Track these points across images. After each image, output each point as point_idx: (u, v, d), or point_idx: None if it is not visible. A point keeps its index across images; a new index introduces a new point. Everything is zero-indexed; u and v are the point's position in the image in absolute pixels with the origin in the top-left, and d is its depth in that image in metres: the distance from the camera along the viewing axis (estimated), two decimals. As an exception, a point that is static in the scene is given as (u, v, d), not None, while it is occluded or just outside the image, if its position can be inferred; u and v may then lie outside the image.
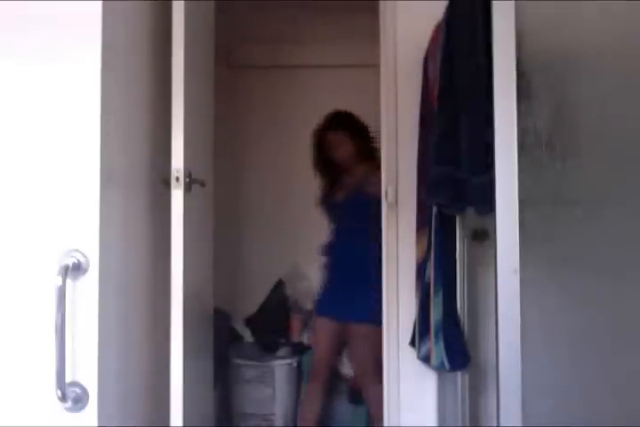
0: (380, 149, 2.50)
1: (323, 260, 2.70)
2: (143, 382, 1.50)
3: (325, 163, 2.77)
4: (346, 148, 2.71)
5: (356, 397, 2.72)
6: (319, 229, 2.65)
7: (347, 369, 2.74)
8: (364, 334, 2.50)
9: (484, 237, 1.95)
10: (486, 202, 1.33)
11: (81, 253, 1.11)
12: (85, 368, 1.11)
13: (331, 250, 2.69)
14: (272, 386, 2.76)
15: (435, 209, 1.79)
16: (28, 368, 1.12)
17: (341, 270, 2.65)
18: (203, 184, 1.78)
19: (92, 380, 1.11)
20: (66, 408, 1.08)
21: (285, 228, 3.29)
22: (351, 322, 2.54)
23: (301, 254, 3.20)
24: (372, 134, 2.78)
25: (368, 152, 2.75)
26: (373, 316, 2.47)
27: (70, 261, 1.09)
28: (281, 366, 2.76)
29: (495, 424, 1.15)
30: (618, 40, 1.17)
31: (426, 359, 1.87)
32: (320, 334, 2.67)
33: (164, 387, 1.53)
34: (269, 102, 2.83)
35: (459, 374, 1.90)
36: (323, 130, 2.75)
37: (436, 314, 1.79)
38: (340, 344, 2.69)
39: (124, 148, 1.36)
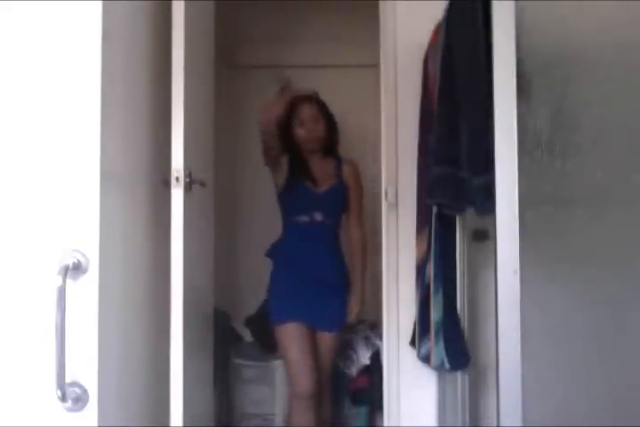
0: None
1: (277, 259, 2.43)
2: (143, 382, 1.50)
3: (290, 141, 2.39)
4: (319, 126, 2.40)
5: (356, 397, 2.72)
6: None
7: (347, 369, 2.73)
8: (332, 345, 2.41)
9: (484, 237, 1.95)
10: (486, 202, 1.34)
11: (81, 253, 1.11)
12: (85, 368, 1.11)
13: (290, 248, 2.40)
14: (272, 386, 2.76)
15: (435, 209, 1.79)
16: (28, 368, 1.12)
17: (305, 272, 2.34)
18: (203, 184, 1.78)
19: (92, 380, 1.11)
20: (66, 408, 1.08)
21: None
22: (322, 331, 2.37)
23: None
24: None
25: (333, 145, 2.46)
26: (341, 326, 2.40)
27: (70, 261, 1.09)
28: (281, 366, 2.75)
29: (495, 424, 1.16)
30: (618, 40, 1.17)
31: (426, 359, 1.87)
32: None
33: (164, 387, 1.53)
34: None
35: (459, 374, 1.90)
36: (298, 100, 2.40)
37: (436, 314, 1.79)
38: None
39: (123, 148, 1.36)
